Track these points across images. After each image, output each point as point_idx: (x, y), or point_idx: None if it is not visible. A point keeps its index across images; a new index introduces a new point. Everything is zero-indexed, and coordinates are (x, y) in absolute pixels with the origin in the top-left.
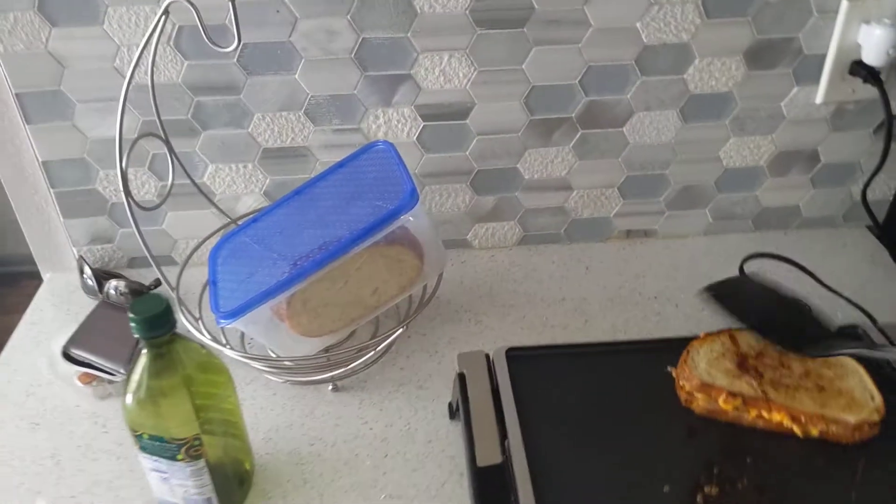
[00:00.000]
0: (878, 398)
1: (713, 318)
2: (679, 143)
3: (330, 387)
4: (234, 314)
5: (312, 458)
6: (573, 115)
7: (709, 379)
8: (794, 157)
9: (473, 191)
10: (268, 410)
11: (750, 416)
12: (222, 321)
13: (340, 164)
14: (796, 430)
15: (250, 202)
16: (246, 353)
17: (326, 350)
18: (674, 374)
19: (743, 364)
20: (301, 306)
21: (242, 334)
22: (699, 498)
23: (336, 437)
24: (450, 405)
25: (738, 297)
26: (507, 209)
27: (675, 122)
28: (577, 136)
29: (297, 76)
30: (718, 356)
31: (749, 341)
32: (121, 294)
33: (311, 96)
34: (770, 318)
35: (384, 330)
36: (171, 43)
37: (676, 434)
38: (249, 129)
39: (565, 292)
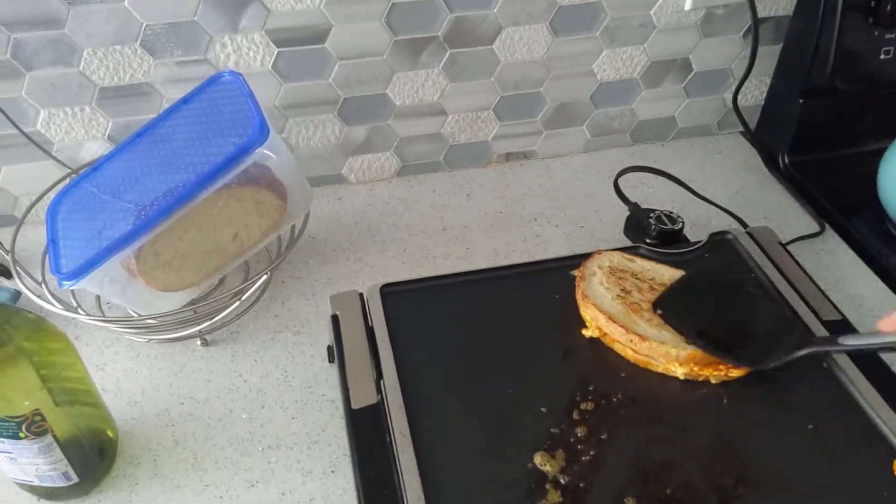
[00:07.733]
0: None
1: (591, 237)
2: (551, 59)
3: (199, 341)
4: (76, 275)
5: (183, 417)
6: (440, 33)
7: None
8: (667, 66)
9: (343, 121)
10: (132, 373)
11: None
12: (64, 283)
13: (185, 100)
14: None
15: (95, 148)
16: (102, 315)
17: (192, 303)
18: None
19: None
20: (154, 259)
21: (98, 295)
22: (575, 414)
23: (208, 394)
24: (328, 348)
25: (686, 307)
26: (381, 139)
27: (545, 37)
28: (446, 56)
29: (126, 3)
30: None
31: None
32: None
33: (147, 25)
34: (716, 333)
35: (255, 275)
36: None
37: (554, 356)
38: (81, 68)
39: (447, 221)
